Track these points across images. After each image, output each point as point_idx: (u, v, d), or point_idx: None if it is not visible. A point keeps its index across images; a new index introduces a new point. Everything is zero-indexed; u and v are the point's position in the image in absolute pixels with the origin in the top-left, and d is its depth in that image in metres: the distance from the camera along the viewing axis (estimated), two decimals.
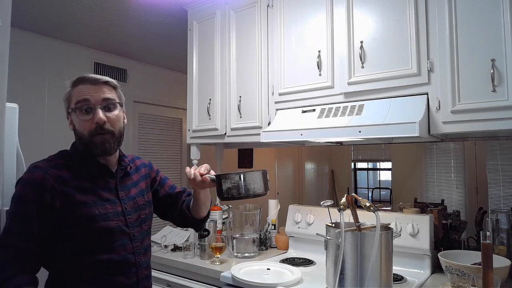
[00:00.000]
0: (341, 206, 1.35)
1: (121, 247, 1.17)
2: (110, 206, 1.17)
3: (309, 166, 5.79)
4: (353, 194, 1.41)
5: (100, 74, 3.63)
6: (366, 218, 1.51)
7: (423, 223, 1.70)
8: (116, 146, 1.22)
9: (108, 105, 1.20)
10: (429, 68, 1.52)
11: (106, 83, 1.22)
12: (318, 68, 1.82)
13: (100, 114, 1.16)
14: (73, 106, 1.20)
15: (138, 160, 1.41)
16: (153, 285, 2.09)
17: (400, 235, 1.66)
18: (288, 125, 1.83)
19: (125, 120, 1.28)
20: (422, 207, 2.13)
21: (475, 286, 1.36)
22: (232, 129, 2.17)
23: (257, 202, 2.35)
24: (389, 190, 5.64)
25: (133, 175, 1.33)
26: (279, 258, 1.98)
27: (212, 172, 1.28)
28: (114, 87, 1.25)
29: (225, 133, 2.21)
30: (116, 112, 1.22)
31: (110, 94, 1.22)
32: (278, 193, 4.99)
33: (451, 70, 1.46)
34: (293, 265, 1.81)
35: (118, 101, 1.24)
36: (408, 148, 4.71)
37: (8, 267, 1.01)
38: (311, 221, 2.02)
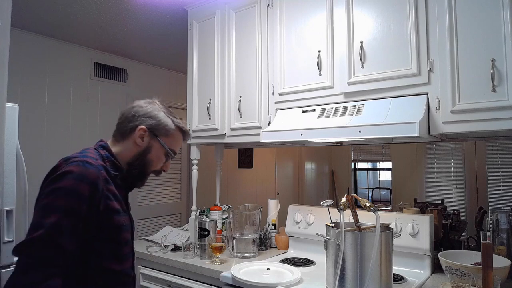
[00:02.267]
0: (341, 206, 1.35)
1: (127, 261, 1.15)
2: (128, 217, 1.17)
3: (309, 166, 5.79)
4: (353, 194, 1.41)
5: (100, 74, 3.64)
6: (366, 218, 1.51)
7: (423, 223, 1.70)
8: None
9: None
10: (429, 68, 1.52)
11: None
12: (318, 68, 1.82)
13: (169, 165, 1.28)
14: (167, 147, 1.22)
15: None
16: (153, 285, 2.10)
17: (400, 235, 1.66)
18: (288, 125, 1.83)
19: None
20: (422, 207, 2.13)
21: (475, 286, 1.36)
22: (232, 129, 2.17)
23: (257, 202, 2.36)
24: (389, 190, 5.64)
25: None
26: (279, 258, 1.98)
27: None
28: None
29: (225, 133, 2.21)
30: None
31: None
32: (278, 193, 5.00)
33: (451, 70, 1.46)
34: (293, 265, 1.81)
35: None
36: (408, 148, 4.71)
37: (45, 267, 0.93)
38: (311, 221, 2.02)
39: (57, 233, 0.95)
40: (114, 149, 1.19)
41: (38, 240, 0.93)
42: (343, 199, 1.38)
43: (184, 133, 1.26)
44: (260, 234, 2.19)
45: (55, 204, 0.97)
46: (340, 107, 1.74)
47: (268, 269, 1.74)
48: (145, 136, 1.18)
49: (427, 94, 1.53)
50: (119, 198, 1.12)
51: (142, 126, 1.17)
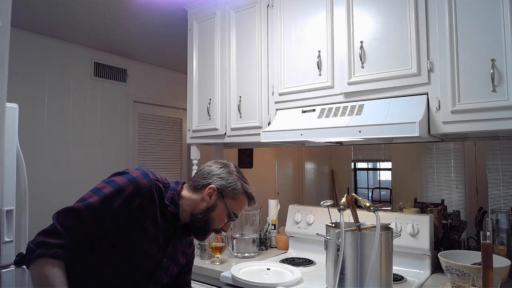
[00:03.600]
0: (341, 206, 1.35)
1: (133, 283, 1.17)
2: (156, 251, 1.19)
3: (309, 166, 5.79)
4: (353, 194, 1.40)
5: (100, 74, 3.63)
6: (366, 218, 1.51)
7: (423, 223, 1.70)
8: None
9: None
10: (429, 68, 1.52)
11: None
12: (318, 68, 1.82)
13: (229, 227, 1.29)
14: (231, 210, 1.24)
15: (191, 236, 1.40)
16: None
17: (400, 235, 1.66)
18: (288, 125, 1.83)
19: None
20: (422, 207, 2.13)
21: (475, 286, 1.36)
22: (232, 129, 2.17)
23: (257, 202, 2.35)
24: (389, 190, 5.64)
25: (185, 245, 1.35)
26: (279, 258, 1.98)
27: None
28: None
29: (225, 133, 2.21)
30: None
31: None
32: (278, 193, 4.99)
33: (451, 70, 1.46)
34: (293, 265, 1.81)
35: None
36: (408, 148, 4.71)
37: (62, 235, 1.04)
38: (311, 221, 2.02)
39: (87, 209, 1.07)
40: (184, 192, 1.26)
41: (70, 211, 1.07)
42: (343, 199, 1.38)
43: (250, 198, 1.28)
44: (260, 234, 2.19)
45: (102, 190, 1.11)
46: (340, 107, 1.74)
47: (268, 269, 1.74)
48: (213, 195, 1.23)
49: (427, 94, 1.53)
50: (156, 224, 1.18)
51: (213, 185, 1.23)
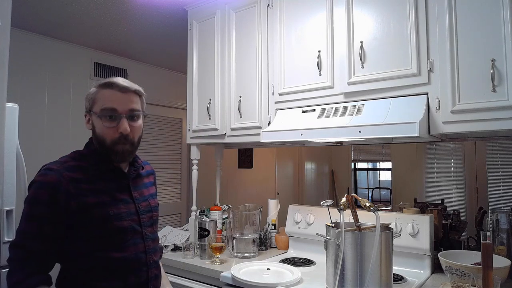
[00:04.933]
0: (341, 206, 1.35)
1: (133, 246, 1.18)
2: (124, 206, 1.19)
3: (309, 166, 5.79)
4: (353, 194, 1.41)
5: (100, 74, 3.63)
6: (366, 218, 1.51)
7: (423, 223, 1.70)
8: (133, 154, 1.26)
9: (133, 115, 1.20)
10: (429, 68, 1.52)
11: (134, 91, 1.22)
12: (318, 68, 1.82)
13: (126, 124, 1.17)
14: (97, 110, 1.17)
15: (147, 166, 1.42)
16: None
17: (400, 235, 1.66)
18: (288, 125, 1.83)
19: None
20: (422, 207, 2.13)
21: (475, 286, 1.36)
22: (232, 129, 2.17)
23: (257, 202, 2.36)
24: (389, 190, 5.64)
25: (144, 178, 1.34)
26: (279, 258, 1.98)
27: None
28: (140, 95, 1.25)
29: (225, 133, 2.21)
30: (139, 122, 1.23)
31: (136, 104, 1.22)
32: (278, 193, 4.99)
33: (451, 70, 1.46)
34: (293, 265, 1.81)
35: (142, 111, 1.24)
36: (408, 148, 4.71)
37: (23, 268, 1.04)
38: (311, 221, 2.02)
39: (24, 238, 1.07)
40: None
41: (13, 246, 1.07)
42: (343, 199, 1.38)
43: (107, 84, 1.18)
44: (260, 234, 2.19)
45: (23, 212, 1.09)
46: (340, 107, 1.74)
47: (268, 269, 1.74)
48: (87, 119, 1.22)
49: (427, 94, 1.53)
50: (103, 191, 1.16)
51: (85, 114, 1.22)
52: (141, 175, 1.33)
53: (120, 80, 1.20)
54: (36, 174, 1.13)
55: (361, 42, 1.68)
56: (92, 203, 1.12)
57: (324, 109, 1.78)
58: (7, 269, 1.07)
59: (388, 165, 5.63)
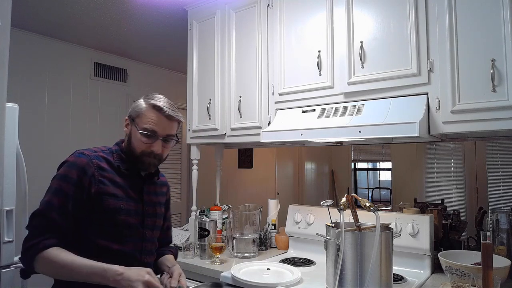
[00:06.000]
0: (341, 206, 1.35)
1: (132, 243, 1.26)
2: (134, 204, 1.28)
3: (309, 166, 5.79)
4: (353, 194, 1.40)
5: (100, 74, 3.63)
6: (366, 218, 1.51)
7: (423, 223, 1.70)
8: (157, 167, 1.35)
9: (168, 139, 1.30)
10: (429, 68, 1.52)
11: (177, 121, 1.31)
12: (318, 68, 1.82)
13: (160, 146, 1.27)
14: (140, 126, 1.26)
15: (163, 177, 1.49)
16: None
17: (400, 235, 1.66)
18: (288, 125, 1.82)
19: None
20: (422, 207, 2.12)
21: (475, 286, 1.36)
22: (232, 129, 2.17)
23: (257, 202, 2.36)
24: (389, 190, 5.65)
25: (157, 187, 1.42)
26: (279, 258, 1.98)
27: (183, 282, 1.29)
28: (179, 123, 1.33)
29: (225, 133, 2.21)
30: (171, 144, 1.32)
31: (174, 130, 1.32)
32: (278, 193, 4.99)
33: (451, 70, 1.46)
34: (293, 265, 1.81)
35: (177, 137, 1.33)
36: (408, 148, 4.71)
37: (42, 233, 1.12)
38: (311, 221, 2.02)
39: (48, 208, 1.15)
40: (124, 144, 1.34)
41: (36, 214, 1.16)
42: (343, 199, 1.38)
43: (156, 107, 1.26)
44: (260, 234, 2.19)
45: (51, 187, 1.19)
46: (340, 107, 1.74)
47: (268, 269, 1.74)
48: (126, 123, 1.31)
49: (427, 94, 1.53)
50: (120, 185, 1.26)
51: (126, 117, 1.32)
52: (155, 183, 1.41)
53: (167, 105, 1.28)
54: (68, 156, 1.24)
55: (361, 42, 1.68)
56: (109, 193, 1.22)
57: (324, 109, 1.78)
58: (8, 269, 1.09)
59: (388, 165, 5.64)
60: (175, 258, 1.48)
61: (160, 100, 1.28)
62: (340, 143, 2.10)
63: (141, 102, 1.29)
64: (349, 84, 1.72)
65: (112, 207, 1.21)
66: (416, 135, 1.40)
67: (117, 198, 1.23)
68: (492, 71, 1.35)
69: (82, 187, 1.18)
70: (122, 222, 1.23)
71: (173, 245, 1.59)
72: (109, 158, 1.28)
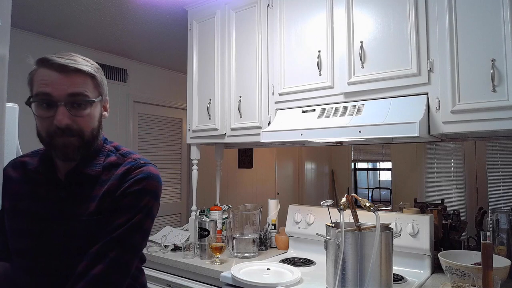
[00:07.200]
0: (341, 206, 1.35)
1: (20, 257, 1.00)
2: (37, 204, 0.98)
3: (309, 166, 5.79)
4: (353, 194, 1.41)
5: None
6: (366, 218, 1.51)
7: (423, 223, 1.70)
8: (84, 151, 0.96)
9: (74, 101, 0.91)
10: (429, 68, 1.52)
11: (78, 70, 0.92)
12: (318, 68, 1.82)
13: (61, 115, 0.89)
14: (33, 95, 0.92)
15: (133, 167, 1.00)
16: (153, 285, 2.10)
17: (400, 235, 1.66)
18: (288, 125, 1.83)
19: (105, 114, 1.03)
20: (422, 207, 2.12)
21: (475, 286, 1.36)
22: (232, 129, 2.17)
23: (257, 202, 2.36)
24: (389, 190, 5.65)
25: (97, 186, 0.98)
26: (279, 258, 1.98)
27: None
28: (91, 76, 0.95)
29: (225, 133, 2.21)
30: (87, 110, 0.94)
31: (81, 87, 0.92)
32: (278, 193, 5.00)
33: (451, 70, 1.46)
34: (293, 265, 1.81)
35: (91, 97, 0.94)
36: (408, 148, 4.71)
37: None
38: (311, 221, 2.02)
39: None
40: None
41: None
42: (343, 199, 1.38)
43: (41, 61, 0.92)
44: (260, 234, 2.19)
45: None
46: (340, 107, 1.74)
47: (268, 269, 1.74)
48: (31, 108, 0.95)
49: (427, 94, 1.53)
50: (25, 196, 1.00)
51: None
52: (92, 181, 0.98)
53: (59, 56, 0.92)
54: None
55: (361, 42, 1.68)
56: (14, 208, 0.99)
57: (324, 109, 1.78)
58: None
59: (388, 165, 5.64)
60: None
61: (51, 55, 0.92)
62: (340, 143, 2.10)
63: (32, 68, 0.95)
64: (349, 84, 1.72)
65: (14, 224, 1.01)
66: (416, 135, 1.40)
67: (20, 214, 1.02)
68: (492, 71, 1.35)
69: None
70: (15, 229, 1.02)
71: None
72: (31, 162, 1.07)
